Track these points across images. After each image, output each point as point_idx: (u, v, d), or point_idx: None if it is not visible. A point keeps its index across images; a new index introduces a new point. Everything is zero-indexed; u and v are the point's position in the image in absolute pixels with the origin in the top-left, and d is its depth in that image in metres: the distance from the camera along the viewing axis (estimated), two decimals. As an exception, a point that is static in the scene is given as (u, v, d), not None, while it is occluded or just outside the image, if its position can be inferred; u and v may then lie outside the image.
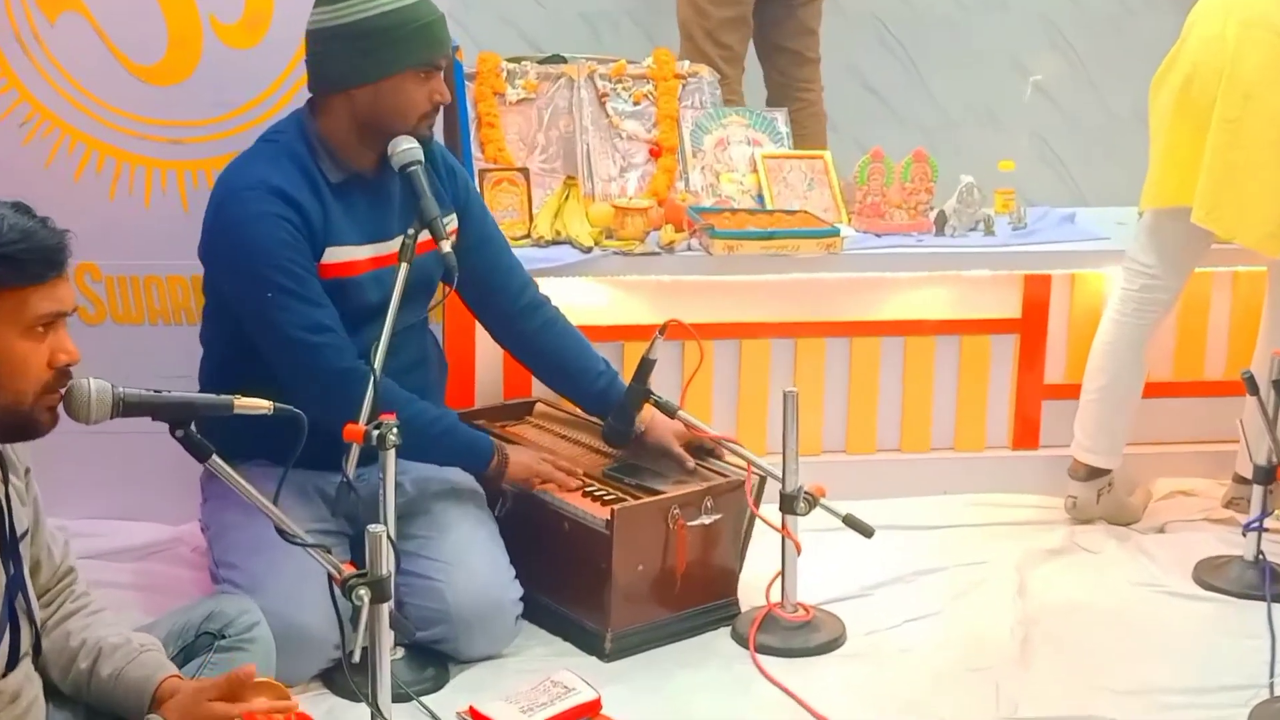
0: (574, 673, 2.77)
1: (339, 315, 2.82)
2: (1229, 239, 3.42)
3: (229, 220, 2.81)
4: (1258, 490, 3.31)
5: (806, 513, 2.99)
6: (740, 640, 3.03)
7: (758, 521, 3.08)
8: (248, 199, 2.79)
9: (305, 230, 2.80)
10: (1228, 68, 3.33)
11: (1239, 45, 3.33)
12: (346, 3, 2.81)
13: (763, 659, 2.95)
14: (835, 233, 3.64)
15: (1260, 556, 3.33)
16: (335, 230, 2.85)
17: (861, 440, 3.78)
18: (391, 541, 2.26)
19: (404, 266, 2.71)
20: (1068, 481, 3.65)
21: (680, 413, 3.12)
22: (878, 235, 3.76)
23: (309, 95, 2.93)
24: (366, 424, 2.59)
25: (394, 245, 2.82)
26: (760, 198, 3.87)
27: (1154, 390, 3.68)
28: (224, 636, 2.44)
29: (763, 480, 3.08)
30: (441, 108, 2.90)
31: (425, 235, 2.78)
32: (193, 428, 2.17)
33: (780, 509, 3.01)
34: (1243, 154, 3.32)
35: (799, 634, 3.03)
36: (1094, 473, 3.62)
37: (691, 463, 3.14)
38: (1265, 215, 3.34)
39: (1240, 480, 3.66)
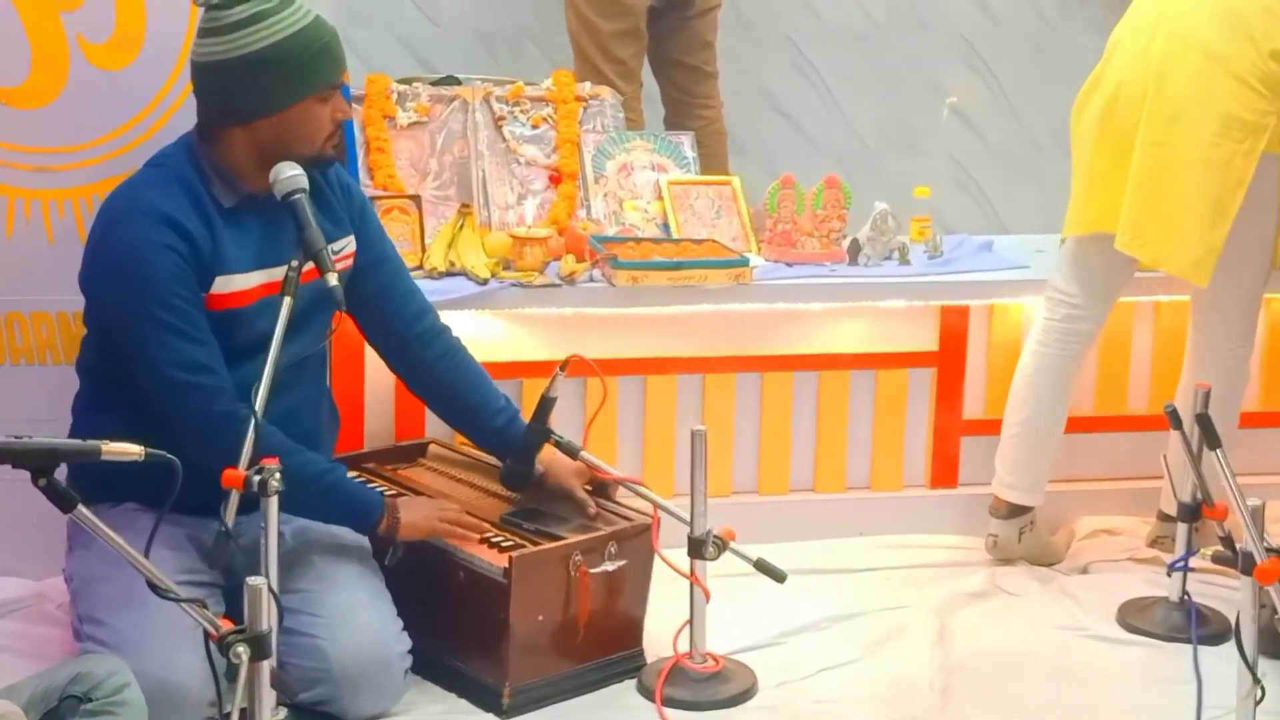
0: (470, 731, 2.76)
1: (232, 345, 2.81)
2: (1154, 266, 3.48)
3: (112, 248, 2.79)
4: (1183, 528, 3.36)
5: (716, 557, 3.00)
6: (646, 693, 3.02)
7: (666, 568, 3.08)
8: (134, 226, 2.77)
9: (193, 260, 2.78)
10: (1152, 88, 3.39)
11: (1164, 64, 3.39)
12: (237, 34, 2.80)
13: (670, 712, 2.95)
14: (744, 263, 3.66)
15: (1186, 597, 3.38)
16: (225, 258, 2.83)
17: (773, 480, 3.80)
18: (274, 594, 2.24)
19: (287, 301, 2.69)
20: (988, 520, 3.69)
21: (583, 453, 3.12)
22: (789, 265, 3.79)
23: (198, 123, 2.91)
24: (247, 469, 2.57)
25: (293, 302, 2.78)
26: (666, 226, 3.89)
27: (1075, 425, 3.73)
28: (91, 700, 2.39)
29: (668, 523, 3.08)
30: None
31: (310, 266, 2.77)
32: (57, 475, 2.14)
33: (688, 554, 3.01)
34: (1168, 179, 3.39)
35: (708, 686, 3.03)
36: (1016, 510, 3.66)
37: (594, 507, 3.13)
38: (1191, 242, 3.40)
39: (1165, 518, 3.71)
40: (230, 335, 2.83)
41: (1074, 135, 3.62)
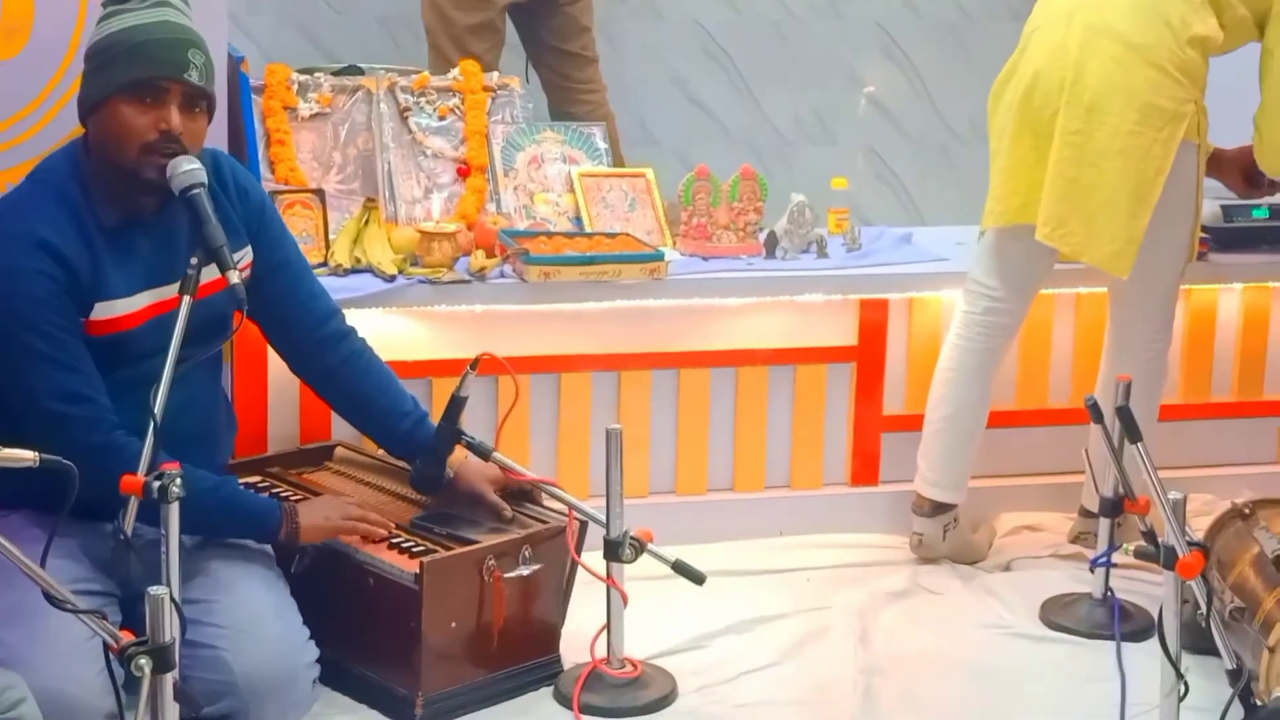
0: (381, 743, 2.76)
1: (122, 366, 2.78)
2: (1074, 258, 3.53)
3: None
4: (1104, 524, 3.42)
5: (633, 560, 3.02)
6: (564, 700, 3.04)
7: (581, 571, 3.10)
8: (8, 251, 2.73)
9: (70, 286, 2.75)
10: (1070, 77, 3.45)
11: (1081, 54, 3.44)
12: (100, 23, 2.81)
13: (588, 720, 2.97)
14: (659, 257, 3.68)
15: (1109, 594, 3.44)
16: (106, 283, 2.80)
17: (691, 480, 3.83)
18: (176, 605, 2.23)
19: (186, 300, 2.67)
20: (910, 519, 3.74)
21: (495, 454, 3.12)
22: (705, 259, 3.82)
23: None
24: (146, 474, 2.55)
25: (190, 301, 2.76)
26: (578, 220, 3.90)
27: (996, 420, 3.78)
28: (-16, 717, 2.38)
29: (585, 525, 3.09)
30: (180, 137, 2.77)
31: (216, 275, 2.76)
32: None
33: (605, 556, 3.03)
34: (1087, 169, 3.44)
35: (627, 692, 3.05)
36: (939, 508, 3.71)
37: (508, 509, 3.14)
38: (1111, 233, 3.45)
39: (1087, 514, 3.77)
40: (119, 357, 2.80)
41: (991, 125, 3.67)
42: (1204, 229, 3.92)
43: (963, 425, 3.68)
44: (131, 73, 2.76)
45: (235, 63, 3.67)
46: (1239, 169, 3.79)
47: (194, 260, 2.71)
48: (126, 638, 2.19)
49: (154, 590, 2.19)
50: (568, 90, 4.70)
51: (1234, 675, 2.70)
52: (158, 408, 2.58)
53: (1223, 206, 4.07)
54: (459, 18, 4.63)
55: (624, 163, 4.44)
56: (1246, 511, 3.24)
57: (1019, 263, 3.64)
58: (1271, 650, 2.83)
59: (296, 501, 3.05)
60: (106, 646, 2.21)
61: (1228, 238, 4.06)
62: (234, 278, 2.72)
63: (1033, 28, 3.60)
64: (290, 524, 2.94)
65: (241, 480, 3.15)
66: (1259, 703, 2.69)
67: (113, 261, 2.81)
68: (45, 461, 2.20)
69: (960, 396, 3.67)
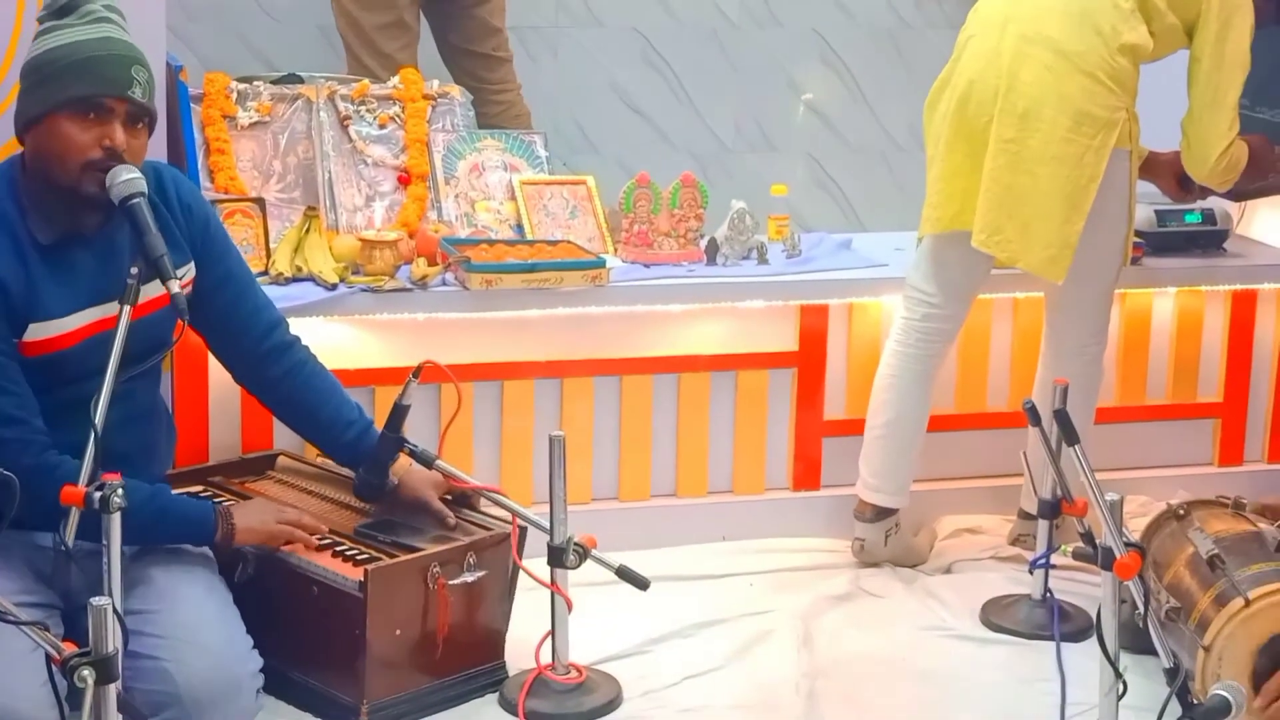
0: (326, 751, 2.75)
1: (60, 382, 2.76)
2: (1010, 264, 3.56)
3: None
4: (1043, 525, 3.45)
5: (577, 566, 3.02)
6: (509, 707, 3.04)
7: (525, 577, 3.10)
8: None
9: (3, 308, 2.73)
10: (1004, 85, 3.48)
11: (1015, 61, 3.48)
12: (39, 37, 2.79)
13: (533, 726, 2.97)
14: (601, 264, 3.69)
15: (1048, 595, 3.47)
16: (40, 303, 2.77)
17: (634, 486, 3.84)
18: (118, 615, 2.22)
19: (125, 310, 2.66)
20: (852, 523, 3.76)
21: (438, 462, 3.13)
22: (646, 266, 3.83)
23: None
24: (87, 485, 2.54)
25: (129, 309, 2.75)
26: (519, 228, 3.91)
27: (936, 424, 3.81)
28: (-75, 730, 2.36)
29: (527, 532, 3.10)
30: (123, 154, 2.75)
31: (158, 292, 2.75)
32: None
33: (549, 563, 3.03)
34: (1021, 176, 3.48)
35: (571, 697, 3.06)
36: (881, 513, 3.73)
37: (452, 517, 3.14)
38: (1045, 239, 3.49)
39: (1025, 516, 3.81)
40: (57, 377, 2.78)
41: (927, 133, 3.71)
42: (1138, 234, 3.97)
43: (904, 431, 3.70)
44: (75, 89, 2.74)
45: (174, 72, 3.66)
46: (1172, 173, 3.85)
47: (134, 270, 2.70)
48: (69, 649, 2.18)
49: (96, 601, 2.18)
50: (481, 91, 4.69)
51: (1171, 674, 2.73)
52: (98, 418, 2.57)
53: (1156, 211, 4.12)
54: (365, 18, 4.65)
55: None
56: (1181, 512, 3.28)
57: (956, 269, 3.67)
58: (1207, 649, 2.87)
59: (231, 506, 3.04)
60: (49, 658, 2.20)
61: (1161, 242, 4.11)
62: (174, 287, 2.71)
63: (967, 36, 3.63)
64: (225, 525, 2.94)
65: (182, 489, 3.15)
66: (1196, 701, 2.73)
67: (51, 280, 2.79)
68: (-15, 474, 2.19)
69: (901, 402, 3.70)
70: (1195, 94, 3.59)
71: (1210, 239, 4.18)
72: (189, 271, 2.97)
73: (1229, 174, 3.67)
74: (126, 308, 2.66)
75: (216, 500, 3.12)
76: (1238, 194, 4.14)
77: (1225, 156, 3.61)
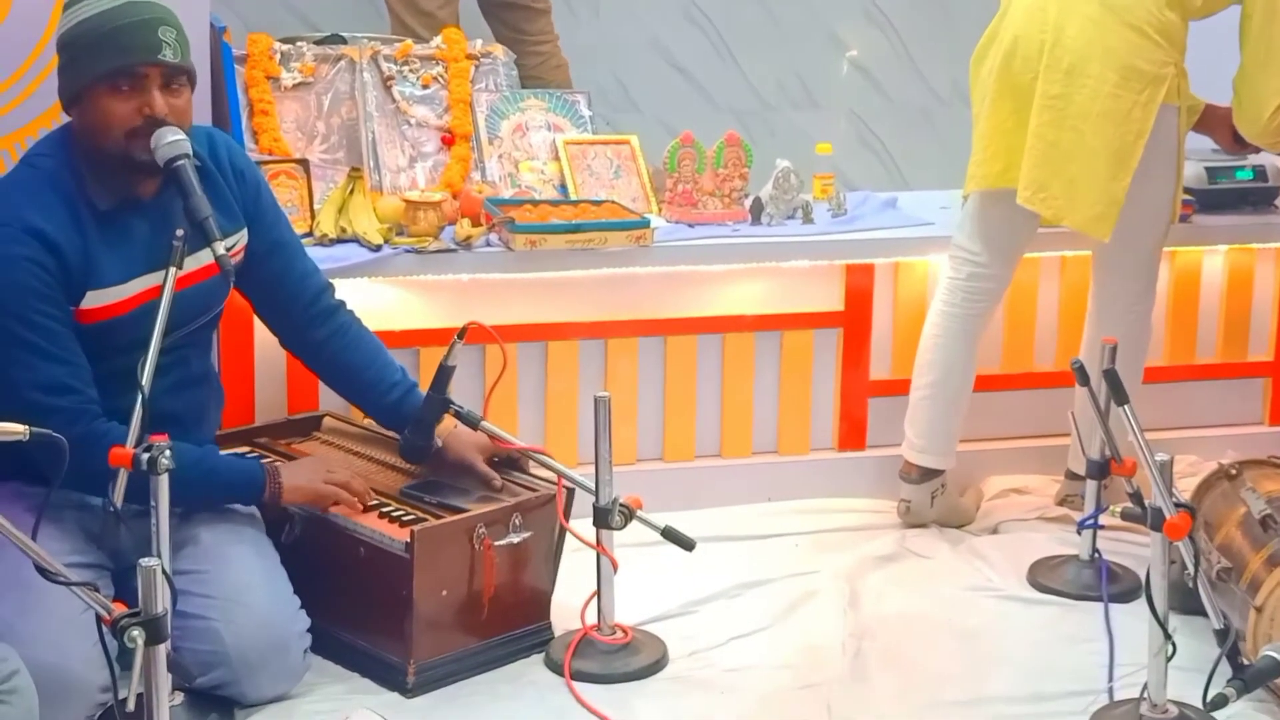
0: (374, 711, 2.76)
1: (111, 351, 2.77)
2: (1056, 222, 3.54)
3: None
4: (1091, 486, 3.44)
5: (622, 526, 3.03)
6: (555, 667, 3.05)
7: (571, 538, 3.11)
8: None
9: (61, 276, 2.74)
10: (1049, 40, 3.45)
11: (1060, 17, 3.45)
12: (65, 14, 2.80)
13: (579, 686, 2.98)
14: (645, 224, 3.69)
15: (1096, 555, 3.46)
16: (98, 270, 2.79)
17: (679, 447, 3.84)
18: (167, 575, 2.24)
19: (171, 272, 2.67)
20: (897, 483, 3.75)
21: (483, 423, 3.13)
22: (690, 226, 3.82)
23: None
24: (135, 447, 2.56)
25: (177, 272, 2.76)
26: (563, 188, 3.91)
27: (983, 384, 3.80)
28: (-22, 689, 2.38)
29: (574, 493, 3.10)
30: (165, 118, 2.75)
31: (208, 260, 2.77)
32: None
33: (594, 523, 3.04)
34: (1067, 132, 3.45)
35: (618, 658, 3.06)
36: (927, 474, 3.72)
37: (497, 478, 3.15)
38: (1092, 196, 3.47)
39: (1073, 476, 3.80)
40: (109, 345, 2.80)
41: (973, 89, 3.68)
42: (1187, 191, 3.94)
43: (949, 391, 3.69)
44: (106, 62, 2.74)
45: (217, 33, 3.66)
46: (1228, 127, 3.80)
47: (179, 233, 2.71)
48: (119, 610, 2.20)
49: (146, 561, 2.20)
50: (519, 42, 4.69)
51: (1221, 635, 2.73)
52: (145, 380, 2.59)
53: (1206, 169, 4.08)
54: None
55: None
56: (1233, 472, 3.26)
57: (1002, 227, 3.65)
58: (1258, 610, 2.85)
59: (279, 464, 3.05)
60: (99, 619, 2.22)
61: (1212, 200, 4.07)
62: (219, 249, 2.73)
63: None
64: (273, 484, 2.96)
65: (229, 450, 3.17)
66: (1246, 661, 2.72)
67: (107, 246, 2.81)
68: (35, 435, 2.21)
69: (947, 362, 3.68)
70: (1247, 51, 3.55)
71: (1262, 196, 4.14)
72: (241, 239, 2.99)
73: (1274, 133, 3.63)
74: (172, 270, 2.68)
75: (264, 459, 3.13)
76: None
77: (1278, 115, 3.56)
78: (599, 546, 3.05)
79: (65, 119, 2.86)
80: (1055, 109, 3.46)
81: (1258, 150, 3.93)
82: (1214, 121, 3.83)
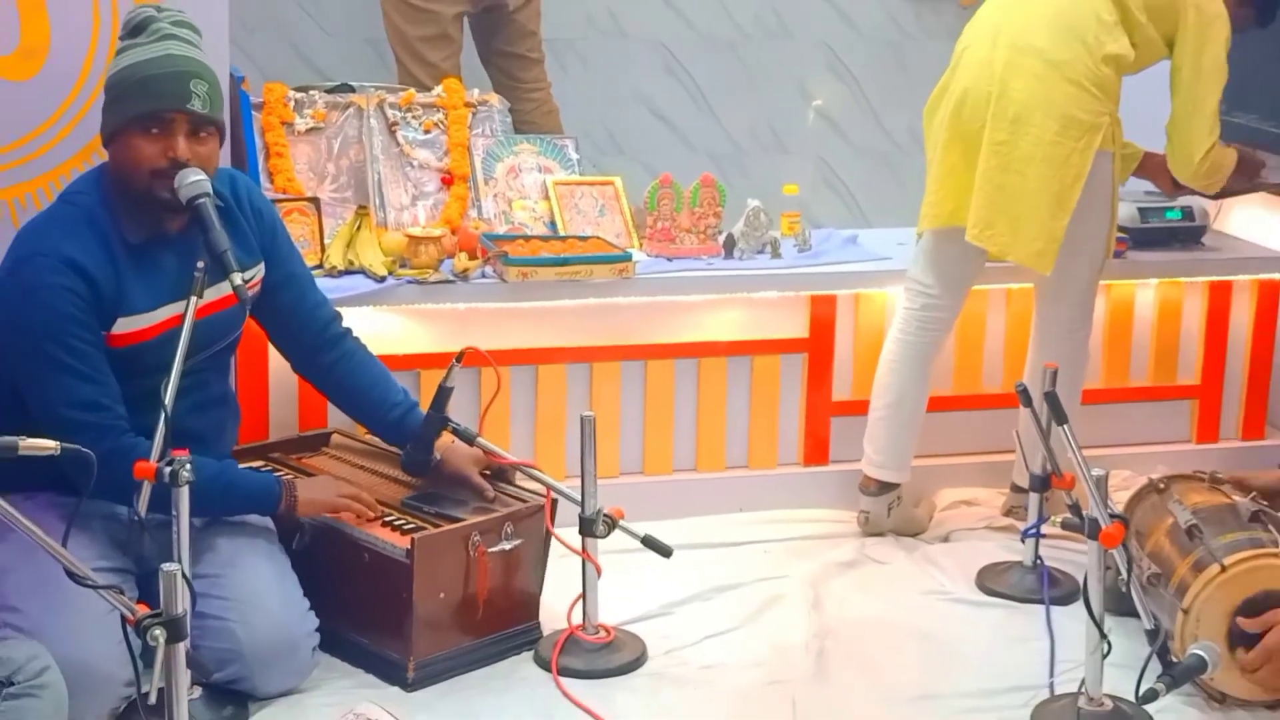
0: (376, 704, 2.76)
1: (138, 373, 2.77)
2: (1001, 257, 3.55)
3: (16, 287, 2.74)
4: (1034, 498, 3.44)
5: (606, 535, 3.03)
6: (543, 664, 3.04)
7: (557, 545, 3.10)
8: (38, 268, 2.72)
9: (94, 303, 2.74)
10: (996, 91, 3.47)
11: (1006, 71, 3.47)
12: (117, 55, 2.82)
13: (566, 681, 2.97)
14: (627, 258, 3.69)
15: (1038, 561, 3.46)
16: (129, 299, 2.79)
17: (658, 461, 3.83)
18: (187, 579, 2.23)
19: (192, 301, 2.68)
20: (857, 496, 3.75)
21: (479, 439, 3.13)
22: (669, 259, 3.82)
23: None
24: (158, 460, 2.55)
25: (198, 301, 2.76)
26: (553, 224, 3.91)
27: (935, 404, 3.80)
28: (12, 684, 2.38)
29: (559, 503, 3.10)
30: (188, 163, 2.75)
31: (228, 291, 2.78)
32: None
33: (580, 532, 3.04)
34: (1012, 175, 3.46)
35: (601, 655, 3.06)
36: (884, 487, 3.72)
37: (491, 490, 3.15)
38: (1034, 233, 3.47)
39: (1017, 489, 3.79)
40: (136, 368, 2.79)
41: (926, 136, 3.69)
42: (1122, 229, 3.96)
43: (905, 411, 3.69)
44: (138, 107, 2.76)
45: (236, 82, 3.66)
46: (1166, 171, 3.81)
47: (200, 265, 2.71)
48: (142, 611, 2.20)
49: (167, 567, 2.19)
50: (515, 89, 4.72)
51: (1152, 635, 2.73)
52: (168, 399, 2.59)
53: (1139, 209, 4.10)
54: (411, 31, 4.68)
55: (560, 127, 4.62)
56: (1162, 486, 3.27)
57: (953, 263, 3.66)
58: (1185, 612, 2.86)
59: (295, 479, 3.05)
60: (124, 619, 2.22)
61: (1144, 237, 4.09)
62: (236, 279, 2.74)
63: (963, 47, 3.62)
64: (289, 497, 2.95)
65: (246, 464, 3.16)
66: (1174, 659, 2.73)
67: (137, 277, 2.81)
68: (66, 450, 2.22)
69: (902, 386, 3.68)
70: (1177, 101, 3.57)
71: (1189, 234, 4.16)
72: (258, 272, 2.99)
73: (1213, 176, 3.65)
74: (193, 299, 2.69)
75: (279, 474, 3.13)
76: (1219, 193, 4.14)
77: (1207, 160, 3.59)
78: (584, 553, 3.05)
79: (97, 160, 2.87)
80: (1001, 154, 3.47)
81: (1193, 193, 3.95)
82: (1153, 167, 3.86)
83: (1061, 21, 3.46)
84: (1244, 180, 3.86)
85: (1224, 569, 2.85)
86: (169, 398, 2.60)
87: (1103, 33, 3.45)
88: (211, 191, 2.78)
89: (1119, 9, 3.47)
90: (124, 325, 2.79)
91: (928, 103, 3.67)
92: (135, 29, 2.82)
